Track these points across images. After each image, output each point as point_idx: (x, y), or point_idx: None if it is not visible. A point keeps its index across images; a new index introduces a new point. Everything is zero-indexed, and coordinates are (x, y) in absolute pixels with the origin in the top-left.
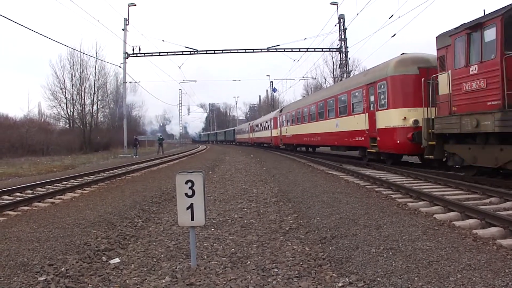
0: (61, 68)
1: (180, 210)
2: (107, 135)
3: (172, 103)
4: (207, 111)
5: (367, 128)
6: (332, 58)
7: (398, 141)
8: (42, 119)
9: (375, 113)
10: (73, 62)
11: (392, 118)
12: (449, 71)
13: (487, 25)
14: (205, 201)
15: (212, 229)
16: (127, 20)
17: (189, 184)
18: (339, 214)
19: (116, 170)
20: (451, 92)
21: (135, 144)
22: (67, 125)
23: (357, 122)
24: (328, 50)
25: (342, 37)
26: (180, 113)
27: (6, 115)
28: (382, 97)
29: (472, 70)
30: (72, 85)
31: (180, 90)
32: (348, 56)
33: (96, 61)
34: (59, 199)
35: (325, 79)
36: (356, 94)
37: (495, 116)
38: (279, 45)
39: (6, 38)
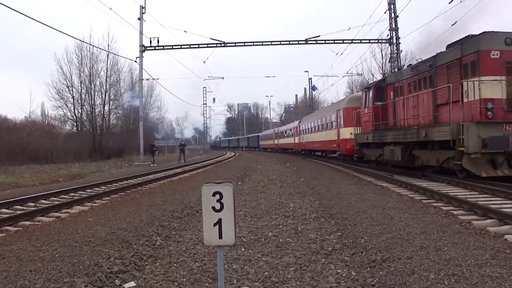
0: (67, 63)
1: (206, 226)
2: (120, 140)
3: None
4: (235, 113)
5: (337, 138)
6: (381, 50)
7: (348, 147)
8: (46, 122)
9: (339, 129)
10: (81, 56)
11: (345, 133)
12: (360, 109)
13: (370, 88)
14: (236, 216)
15: (243, 249)
16: (143, 8)
17: (217, 197)
18: (390, 233)
19: (130, 180)
20: (361, 120)
21: (152, 150)
22: (75, 128)
23: (332, 134)
24: (376, 41)
25: (393, 26)
26: (205, 115)
27: (5, 116)
28: (341, 120)
29: (365, 111)
30: (81, 82)
31: (204, 89)
32: (400, 48)
33: (108, 55)
34: (65, 213)
35: (373, 75)
36: (332, 116)
37: (370, 134)
38: (319, 36)
39: (5, 28)
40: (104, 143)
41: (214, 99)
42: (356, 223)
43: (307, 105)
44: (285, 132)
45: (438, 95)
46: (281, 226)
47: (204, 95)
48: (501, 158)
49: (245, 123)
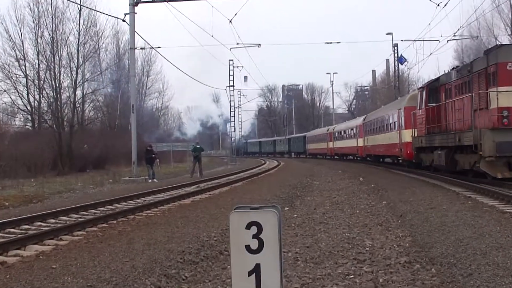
0: (16, 24)
1: (236, 276)
2: (101, 143)
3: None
4: (279, 100)
5: (398, 141)
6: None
7: (408, 151)
8: None
9: (401, 131)
10: (38, 12)
11: (407, 135)
12: (416, 110)
13: (423, 88)
14: (282, 261)
15: None
16: None
17: (254, 230)
18: None
19: (117, 205)
20: (416, 122)
21: (150, 158)
22: (29, 124)
23: (394, 137)
24: None
25: None
26: (232, 102)
27: None
28: (402, 120)
29: (420, 112)
30: (38, 53)
31: (231, 63)
32: None
33: (80, 10)
34: (14, 256)
35: (496, 38)
36: (394, 115)
37: (424, 138)
38: None
39: None
40: (75, 147)
41: (245, 77)
42: (470, 272)
43: (391, 86)
44: (345, 132)
45: (474, 100)
46: (351, 277)
47: (231, 72)
48: None
49: (295, 115)
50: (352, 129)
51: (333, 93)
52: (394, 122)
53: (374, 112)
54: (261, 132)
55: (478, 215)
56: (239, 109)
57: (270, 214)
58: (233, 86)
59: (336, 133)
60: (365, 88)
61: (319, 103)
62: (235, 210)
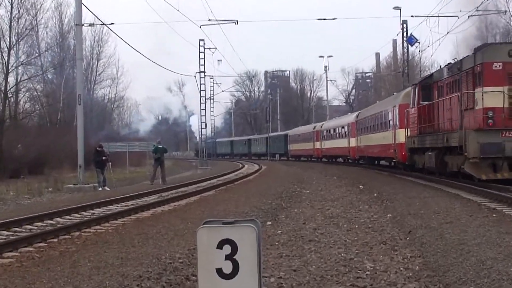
0: None
1: None
2: (39, 142)
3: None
4: (260, 90)
5: (393, 142)
6: None
7: (403, 153)
8: None
9: (395, 131)
10: None
11: (401, 135)
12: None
13: (416, 85)
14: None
15: None
16: None
17: (227, 249)
18: None
19: (59, 220)
20: (409, 121)
21: (100, 162)
22: None
23: (388, 137)
24: None
25: None
26: (202, 91)
27: None
28: (396, 119)
29: (412, 111)
30: None
31: (202, 43)
32: None
33: None
34: None
35: None
36: (389, 113)
37: (416, 138)
38: None
39: None
40: (7, 147)
41: (219, 61)
42: None
43: (398, 73)
44: (334, 130)
45: (462, 100)
46: None
47: (202, 55)
48: (502, 162)
49: (280, 108)
50: (343, 127)
51: (327, 81)
52: (389, 121)
53: (368, 108)
54: (239, 129)
55: (504, 231)
56: (211, 101)
57: (248, 230)
58: (204, 72)
59: (325, 132)
60: (367, 75)
61: (310, 94)
62: (205, 225)
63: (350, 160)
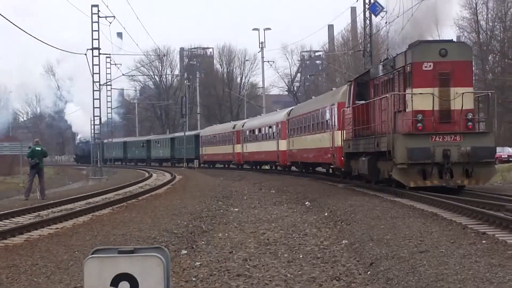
0: None
1: None
2: None
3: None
4: (177, 73)
5: (331, 145)
6: None
7: (342, 157)
8: None
9: (333, 132)
10: None
11: (340, 138)
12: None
13: (351, 83)
14: None
15: None
16: None
17: (123, 287)
18: None
19: None
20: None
21: None
22: None
23: (325, 140)
24: None
25: None
26: (96, 77)
27: None
28: (335, 119)
29: (348, 111)
30: None
31: (96, 10)
32: None
33: None
34: None
35: None
36: (326, 112)
37: (351, 141)
38: None
39: None
40: None
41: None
42: None
43: (358, 52)
44: (260, 130)
45: (394, 101)
46: None
47: (95, 25)
48: (431, 168)
49: (201, 98)
50: (270, 127)
51: (263, 62)
52: (327, 121)
53: (302, 105)
54: (145, 126)
55: (497, 263)
56: (108, 87)
57: (152, 262)
58: (98, 49)
59: (247, 132)
60: (317, 54)
61: (241, 79)
62: (95, 255)
63: (279, 167)
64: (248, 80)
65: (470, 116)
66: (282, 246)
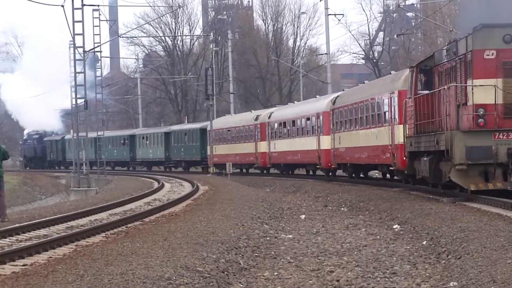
0: None
1: None
2: None
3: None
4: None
5: (390, 143)
6: None
7: (404, 158)
8: None
9: (393, 127)
10: None
11: (401, 134)
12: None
13: (413, 69)
14: None
15: None
16: None
17: None
18: None
19: None
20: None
21: None
22: None
23: (383, 135)
24: None
25: None
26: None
27: None
28: (395, 111)
29: (409, 102)
30: None
31: None
32: None
33: None
34: None
35: None
36: (384, 100)
37: (413, 138)
38: None
39: None
40: None
41: None
42: None
43: None
44: (294, 123)
45: (456, 93)
46: None
47: None
48: (494, 169)
49: (235, 69)
50: (309, 119)
51: (327, 16)
52: (385, 112)
53: (351, 91)
54: (152, 113)
55: None
56: (96, 55)
57: None
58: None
59: (276, 125)
60: (408, 3)
61: (295, 42)
62: None
63: (321, 171)
64: (305, 43)
65: None
66: None
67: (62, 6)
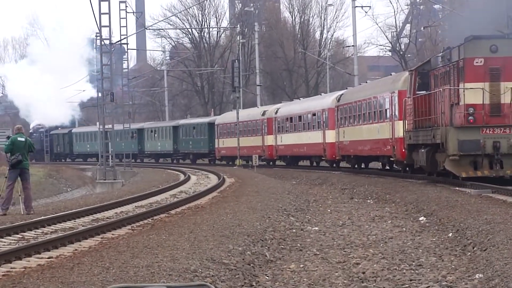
0: None
1: None
2: None
3: None
4: (225, 26)
5: (391, 136)
6: None
7: (403, 150)
8: None
9: (394, 122)
10: None
11: (402, 129)
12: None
13: (412, 72)
14: None
15: None
16: None
17: None
18: None
19: None
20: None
21: None
22: None
23: (385, 130)
24: None
25: None
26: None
27: None
28: (395, 108)
29: (409, 101)
30: None
31: None
32: None
33: None
34: None
35: None
36: (386, 99)
37: (412, 133)
38: None
39: None
40: None
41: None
42: None
43: None
44: (300, 118)
45: (450, 94)
46: None
47: None
48: (481, 159)
49: (262, 61)
50: (314, 114)
51: (353, 7)
52: (386, 110)
53: (354, 90)
54: (179, 105)
55: None
56: (123, 47)
57: None
58: None
59: (283, 120)
60: None
61: (322, 34)
62: None
63: (326, 163)
64: (332, 35)
65: None
66: (385, 284)
67: None
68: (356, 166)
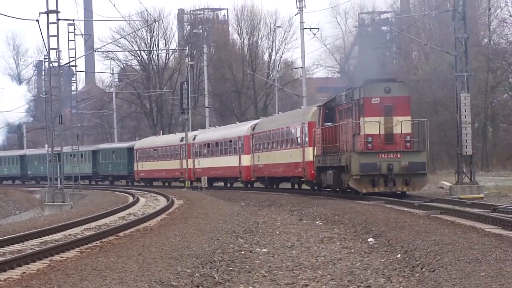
0: None
1: None
2: None
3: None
4: (174, 47)
5: (301, 160)
6: None
7: (312, 171)
8: None
9: (304, 149)
10: None
11: (311, 154)
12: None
13: (320, 107)
14: None
15: None
16: None
17: None
18: None
19: None
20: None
21: None
22: None
23: (296, 155)
24: None
25: None
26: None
27: None
28: (305, 136)
29: (318, 131)
30: None
31: None
32: None
33: None
34: None
35: None
36: (297, 129)
37: (321, 157)
38: None
39: None
40: None
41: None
42: None
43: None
44: (217, 145)
45: (353, 126)
46: None
47: None
48: (378, 178)
49: (211, 83)
50: (230, 141)
51: (302, 29)
52: (297, 138)
53: (268, 120)
54: (128, 127)
55: None
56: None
57: None
58: (57, 12)
59: (200, 146)
60: (383, 17)
61: (270, 55)
62: None
63: (241, 183)
64: (281, 57)
65: (408, 138)
66: None
67: (37, 20)
68: (269, 186)
